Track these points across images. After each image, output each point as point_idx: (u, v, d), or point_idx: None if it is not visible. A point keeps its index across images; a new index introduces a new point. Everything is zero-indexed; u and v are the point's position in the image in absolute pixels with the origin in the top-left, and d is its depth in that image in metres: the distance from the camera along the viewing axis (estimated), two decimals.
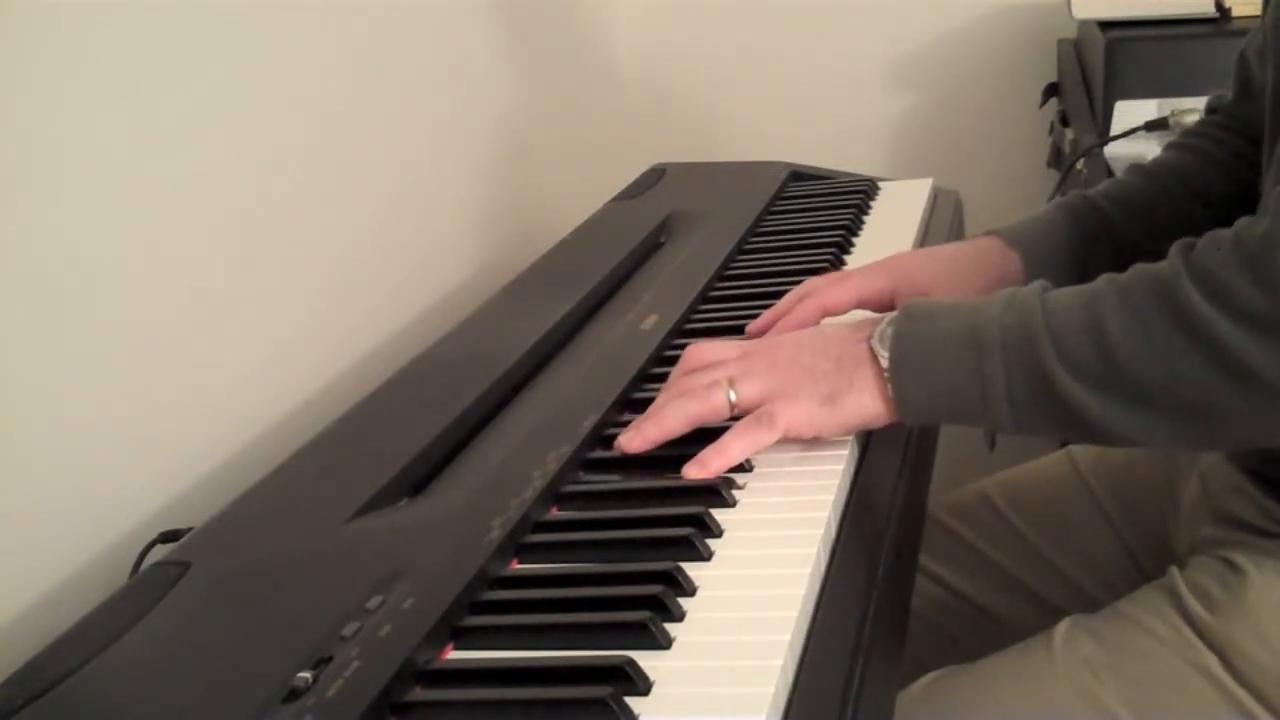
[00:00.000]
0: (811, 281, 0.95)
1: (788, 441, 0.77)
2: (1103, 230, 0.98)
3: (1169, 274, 0.70)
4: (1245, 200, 0.97)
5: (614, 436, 0.80)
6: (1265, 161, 0.85)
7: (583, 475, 0.79)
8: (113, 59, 0.90)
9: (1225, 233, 0.71)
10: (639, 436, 0.78)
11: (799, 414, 0.77)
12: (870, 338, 0.77)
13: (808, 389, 0.77)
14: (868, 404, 0.76)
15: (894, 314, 0.77)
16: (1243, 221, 0.70)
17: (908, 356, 0.75)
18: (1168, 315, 0.69)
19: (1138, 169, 1.03)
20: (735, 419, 0.78)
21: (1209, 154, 1.01)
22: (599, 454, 0.80)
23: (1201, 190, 0.99)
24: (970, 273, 0.95)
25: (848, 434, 0.78)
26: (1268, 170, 0.83)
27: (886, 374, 0.75)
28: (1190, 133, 1.04)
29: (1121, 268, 0.90)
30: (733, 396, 0.78)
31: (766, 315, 0.94)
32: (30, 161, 0.83)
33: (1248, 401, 0.68)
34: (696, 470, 0.75)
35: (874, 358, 0.76)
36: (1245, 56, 0.99)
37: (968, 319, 0.74)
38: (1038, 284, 0.75)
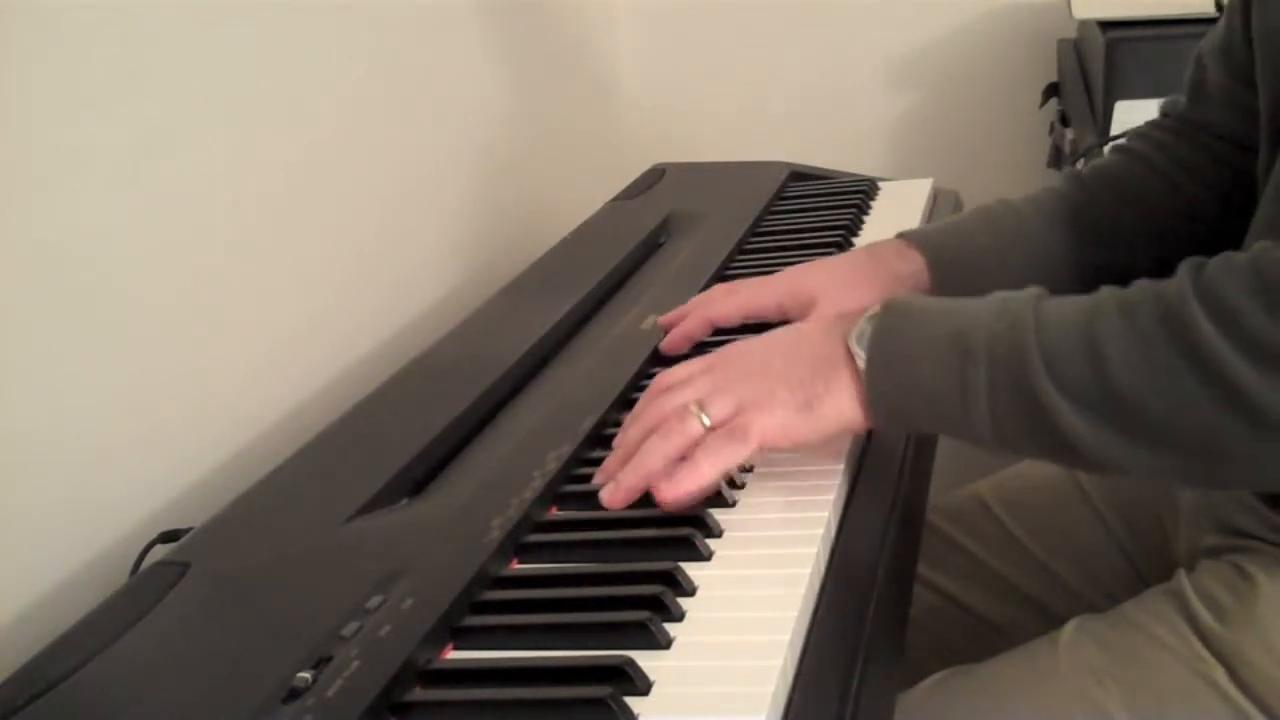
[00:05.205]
0: (709, 291, 0.95)
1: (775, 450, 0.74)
2: (1019, 235, 0.96)
3: (1175, 295, 0.66)
4: (1186, 212, 0.96)
5: (614, 436, 0.80)
6: (1260, 177, 0.83)
7: (583, 475, 0.79)
8: (109, 65, 0.91)
9: (1240, 256, 0.67)
10: (620, 490, 0.73)
11: (773, 423, 0.73)
12: (847, 336, 0.73)
13: (782, 396, 0.73)
14: (845, 408, 0.73)
15: (873, 310, 0.74)
16: (1261, 246, 0.67)
17: (887, 356, 0.71)
18: (1172, 340, 0.65)
19: (1073, 176, 1.01)
20: None
21: (1149, 159, 0.98)
22: (599, 454, 0.80)
23: (1135, 198, 0.97)
24: (859, 276, 0.92)
25: (826, 440, 0.74)
26: (1264, 184, 0.82)
27: (863, 374, 0.72)
28: (1136, 135, 1.02)
29: (1042, 274, 0.89)
30: (705, 420, 0.73)
31: (668, 316, 0.96)
32: (31, 161, 0.83)
33: (1255, 440, 0.65)
34: (669, 488, 0.71)
35: (850, 358, 0.73)
36: (1201, 58, 0.97)
37: (954, 322, 0.70)
38: (1032, 290, 0.72)
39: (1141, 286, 0.69)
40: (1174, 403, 0.65)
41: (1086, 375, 0.67)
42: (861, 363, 0.72)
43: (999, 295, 0.72)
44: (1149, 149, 1.00)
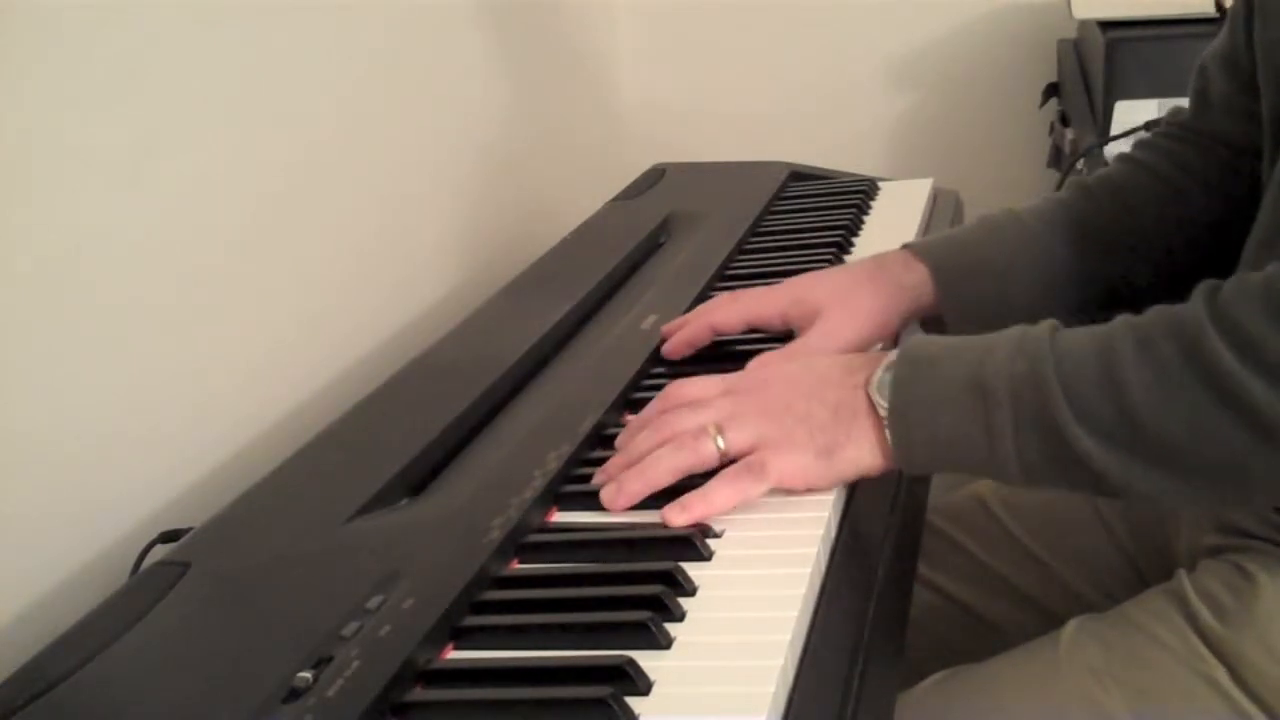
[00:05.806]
0: (715, 299, 0.95)
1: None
2: (1023, 245, 0.96)
3: (1192, 321, 0.67)
4: (1191, 218, 0.96)
5: (614, 436, 0.80)
6: (1265, 183, 0.83)
7: (583, 475, 0.78)
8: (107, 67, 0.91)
9: (1254, 278, 0.67)
10: (622, 494, 0.73)
11: (792, 466, 0.73)
12: (867, 384, 0.73)
13: (802, 440, 0.73)
14: (865, 456, 0.73)
15: (892, 356, 0.74)
16: (1274, 268, 0.67)
17: (908, 406, 0.71)
18: (1191, 369, 0.66)
19: (1077, 185, 1.01)
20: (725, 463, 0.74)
21: (1153, 167, 0.99)
22: (599, 454, 0.80)
23: (1139, 205, 0.97)
24: (864, 287, 0.92)
25: (841, 484, 0.74)
26: (1267, 190, 0.82)
27: (885, 424, 0.72)
28: (1140, 143, 1.02)
29: (1047, 283, 0.88)
30: (721, 444, 0.74)
31: (667, 327, 0.95)
32: (30, 161, 0.83)
33: (1278, 463, 0.65)
34: (677, 514, 0.71)
35: (872, 407, 0.73)
36: (1205, 66, 0.97)
37: (973, 367, 0.70)
38: (1048, 324, 0.72)
39: (1157, 313, 0.69)
40: (1196, 431, 0.66)
41: (1108, 408, 0.67)
42: (883, 412, 0.72)
43: (1016, 331, 0.72)
44: (1153, 156, 1.00)
